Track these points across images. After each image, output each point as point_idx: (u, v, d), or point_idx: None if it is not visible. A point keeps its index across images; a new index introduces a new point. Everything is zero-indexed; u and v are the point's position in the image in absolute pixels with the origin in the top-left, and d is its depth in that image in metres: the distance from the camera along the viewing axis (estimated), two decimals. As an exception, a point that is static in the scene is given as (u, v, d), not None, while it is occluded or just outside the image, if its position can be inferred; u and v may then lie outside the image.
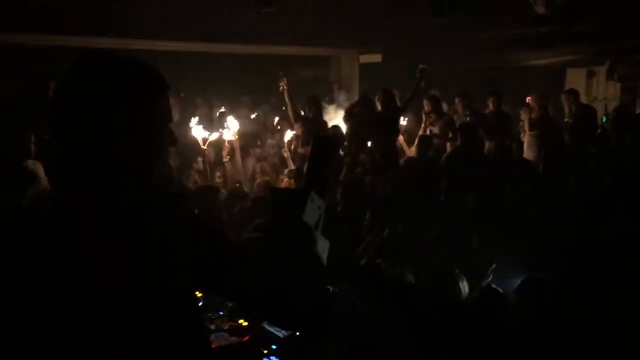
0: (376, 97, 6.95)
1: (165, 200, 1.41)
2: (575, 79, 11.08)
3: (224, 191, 5.47)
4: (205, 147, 6.39)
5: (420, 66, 7.25)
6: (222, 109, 7.90)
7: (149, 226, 1.32)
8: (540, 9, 7.30)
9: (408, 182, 5.59)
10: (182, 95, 9.21)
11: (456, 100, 7.89)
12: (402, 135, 7.40)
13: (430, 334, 1.60)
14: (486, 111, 7.84)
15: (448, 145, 7.04)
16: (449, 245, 3.88)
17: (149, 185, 1.32)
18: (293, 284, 1.56)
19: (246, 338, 2.18)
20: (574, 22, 8.38)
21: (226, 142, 6.47)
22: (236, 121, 6.65)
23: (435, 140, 7.23)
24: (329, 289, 1.93)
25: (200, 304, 2.46)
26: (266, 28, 8.40)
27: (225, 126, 6.55)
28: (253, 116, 8.92)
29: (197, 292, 1.50)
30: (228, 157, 6.42)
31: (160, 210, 1.36)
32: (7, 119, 4.41)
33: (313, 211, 2.18)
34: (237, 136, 6.55)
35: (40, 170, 4.90)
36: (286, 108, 7.10)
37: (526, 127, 7.53)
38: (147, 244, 1.29)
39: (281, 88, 6.71)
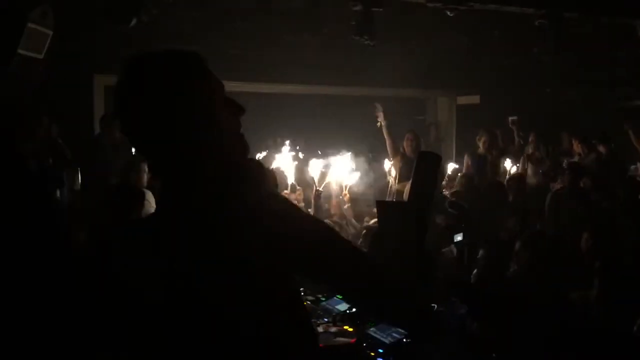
0: (477, 138, 6.87)
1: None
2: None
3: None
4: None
5: (511, 118, 7.11)
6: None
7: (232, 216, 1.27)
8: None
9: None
10: (278, 140, 9.43)
11: (573, 142, 7.55)
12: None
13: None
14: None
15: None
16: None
17: (226, 166, 1.32)
18: (397, 281, 1.50)
19: (353, 340, 2.16)
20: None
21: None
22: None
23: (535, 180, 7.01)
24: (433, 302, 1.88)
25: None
26: (363, 70, 8.54)
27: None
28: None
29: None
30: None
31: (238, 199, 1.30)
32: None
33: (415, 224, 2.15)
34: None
35: (150, 197, 5.21)
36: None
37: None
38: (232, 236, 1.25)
39: (378, 124, 6.68)
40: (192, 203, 1.27)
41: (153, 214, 1.39)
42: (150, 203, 4.99)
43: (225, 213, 1.26)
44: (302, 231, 1.31)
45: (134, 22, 5.60)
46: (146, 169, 5.28)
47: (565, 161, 7.08)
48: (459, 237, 3.52)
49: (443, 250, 4.29)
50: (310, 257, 1.32)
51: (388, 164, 6.74)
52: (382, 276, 1.41)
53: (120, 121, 1.34)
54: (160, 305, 1.19)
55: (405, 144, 6.81)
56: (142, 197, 4.23)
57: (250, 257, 1.23)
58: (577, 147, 7.32)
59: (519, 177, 6.79)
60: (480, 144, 6.87)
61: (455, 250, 4.17)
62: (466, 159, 7.26)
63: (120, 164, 5.66)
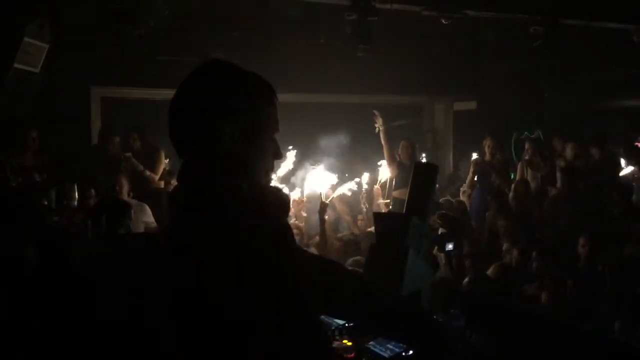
0: (484, 143, 6.92)
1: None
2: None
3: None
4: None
5: None
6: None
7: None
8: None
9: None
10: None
11: (566, 146, 7.56)
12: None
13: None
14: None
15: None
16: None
17: (253, 190, 1.32)
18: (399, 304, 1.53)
19: (352, 355, 2.15)
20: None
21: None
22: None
23: (534, 185, 7.01)
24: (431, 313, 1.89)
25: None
26: (359, 78, 8.55)
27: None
28: None
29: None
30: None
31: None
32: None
33: (415, 236, 2.16)
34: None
35: (140, 210, 5.21)
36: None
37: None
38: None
39: (377, 129, 6.66)
40: (218, 220, 1.24)
41: (169, 227, 1.37)
42: (138, 215, 4.99)
43: (244, 238, 1.23)
44: (321, 275, 1.33)
45: (132, 33, 5.60)
46: (125, 183, 5.29)
47: (559, 165, 7.10)
48: (450, 246, 3.54)
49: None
50: (329, 301, 1.35)
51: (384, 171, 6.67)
52: (397, 304, 1.44)
53: (176, 115, 1.32)
54: (165, 327, 1.19)
55: (400, 151, 6.80)
56: (130, 209, 4.25)
57: (263, 286, 1.21)
58: (562, 149, 7.37)
59: (525, 182, 6.79)
60: (486, 150, 6.89)
61: (443, 258, 4.17)
62: (473, 162, 7.22)
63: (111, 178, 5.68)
